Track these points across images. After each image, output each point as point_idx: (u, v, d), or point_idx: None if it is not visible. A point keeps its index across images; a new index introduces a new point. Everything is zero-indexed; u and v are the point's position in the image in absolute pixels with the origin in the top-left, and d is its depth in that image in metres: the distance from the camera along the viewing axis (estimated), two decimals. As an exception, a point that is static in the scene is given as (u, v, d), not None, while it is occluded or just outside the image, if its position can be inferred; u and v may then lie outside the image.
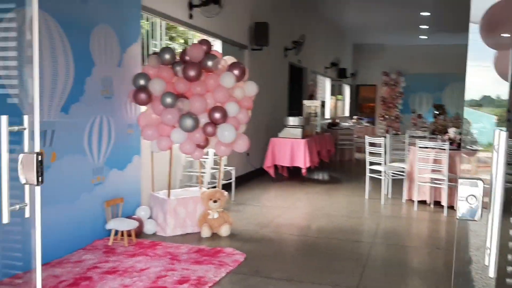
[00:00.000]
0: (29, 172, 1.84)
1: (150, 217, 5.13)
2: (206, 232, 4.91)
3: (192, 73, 4.58)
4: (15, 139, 2.03)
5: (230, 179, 6.88)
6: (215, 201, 4.98)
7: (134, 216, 4.87)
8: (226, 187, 6.95)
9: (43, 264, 3.86)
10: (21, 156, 1.87)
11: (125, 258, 4.10)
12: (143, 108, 5.04)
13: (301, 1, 11.86)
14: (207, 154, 6.24)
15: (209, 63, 4.77)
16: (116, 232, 4.55)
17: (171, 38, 6.89)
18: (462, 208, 1.41)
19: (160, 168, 5.52)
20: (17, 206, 1.94)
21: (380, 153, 6.73)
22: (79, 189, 4.33)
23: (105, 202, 4.50)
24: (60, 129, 4.03)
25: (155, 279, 3.61)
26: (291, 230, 5.31)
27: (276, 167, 8.73)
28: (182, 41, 7.01)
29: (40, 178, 1.82)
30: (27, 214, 2.00)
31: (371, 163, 6.92)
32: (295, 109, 12.44)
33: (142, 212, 5.02)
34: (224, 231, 4.96)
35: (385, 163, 6.88)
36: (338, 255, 4.46)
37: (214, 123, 4.61)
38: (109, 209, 4.58)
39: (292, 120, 8.60)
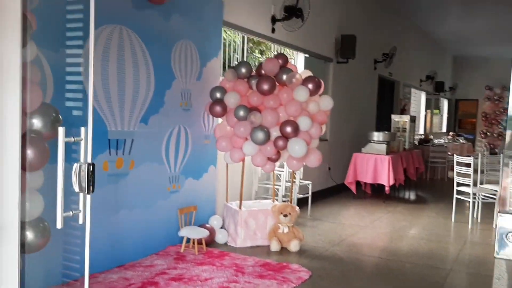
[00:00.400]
0: (83, 181, 1.97)
1: (222, 227, 5.24)
2: (275, 246, 4.90)
3: (265, 86, 4.62)
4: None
5: (307, 193, 6.81)
6: (285, 215, 4.96)
7: (207, 225, 5.00)
8: (303, 201, 6.91)
9: (117, 266, 4.11)
10: (75, 165, 2.01)
11: (193, 266, 4.22)
12: (220, 120, 5.19)
13: (392, 11, 11.50)
14: (283, 166, 6.25)
15: (284, 77, 4.79)
16: (188, 239, 4.71)
17: (261, 52, 7.03)
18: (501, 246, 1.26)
19: (236, 178, 5.62)
20: (71, 213, 2.08)
21: (470, 173, 6.26)
22: (155, 196, 4.55)
23: (179, 209, 4.68)
24: (139, 138, 4.28)
25: (217, 289, 3.68)
26: (364, 250, 5.11)
27: (359, 183, 8.49)
28: (261, 54, 7.12)
29: (91, 187, 1.95)
30: (80, 221, 2.14)
31: (459, 184, 6.46)
32: (385, 123, 12.04)
33: (214, 221, 5.14)
34: (294, 246, 4.91)
35: (475, 184, 6.39)
36: (410, 281, 4.21)
37: (285, 136, 4.61)
38: (182, 216, 4.75)
39: (377, 135, 8.31)
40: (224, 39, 5.82)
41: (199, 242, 4.78)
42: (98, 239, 3.92)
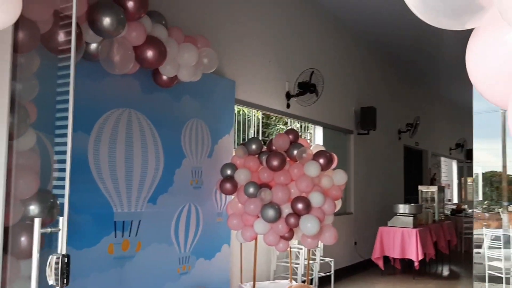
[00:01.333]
0: (56, 274, 1.91)
1: (236, 310, 5.00)
2: (291, 331, 4.62)
3: (275, 162, 4.58)
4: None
5: (330, 271, 6.50)
6: (301, 297, 4.71)
7: (220, 308, 4.79)
8: (326, 280, 6.59)
9: None
10: (50, 257, 1.95)
11: None
12: (232, 196, 5.12)
13: (413, 81, 11.54)
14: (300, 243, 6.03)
15: (294, 152, 4.75)
16: (199, 324, 4.49)
17: (286, 123, 7.08)
18: None
19: (252, 257, 5.44)
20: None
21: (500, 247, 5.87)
22: (163, 279, 4.42)
23: (188, 292, 4.52)
24: (146, 219, 4.24)
25: None
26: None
27: (387, 258, 8.09)
28: (285, 126, 7.16)
29: (65, 280, 1.88)
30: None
31: (491, 259, 6.05)
32: (414, 194, 11.68)
33: (228, 304, 4.93)
34: (311, 331, 4.61)
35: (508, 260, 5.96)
36: None
37: (297, 213, 4.48)
38: (193, 300, 4.57)
39: (403, 208, 8.02)
40: (241, 113, 5.90)
41: (211, 327, 4.55)
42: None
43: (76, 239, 3.61)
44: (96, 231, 3.79)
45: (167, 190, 4.48)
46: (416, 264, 7.52)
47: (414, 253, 7.50)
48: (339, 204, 4.98)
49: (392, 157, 10.40)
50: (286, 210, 4.56)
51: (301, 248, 6.01)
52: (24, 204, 2.77)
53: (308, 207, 4.46)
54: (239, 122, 5.96)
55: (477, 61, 1.23)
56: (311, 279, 6.27)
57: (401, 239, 7.70)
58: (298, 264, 5.99)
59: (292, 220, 4.47)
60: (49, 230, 2.04)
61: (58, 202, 2.99)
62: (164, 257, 4.43)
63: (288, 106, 6.57)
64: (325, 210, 4.62)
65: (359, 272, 7.98)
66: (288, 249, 4.99)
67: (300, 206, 4.45)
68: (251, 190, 4.54)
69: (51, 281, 1.94)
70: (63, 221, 2.01)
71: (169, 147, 4.51)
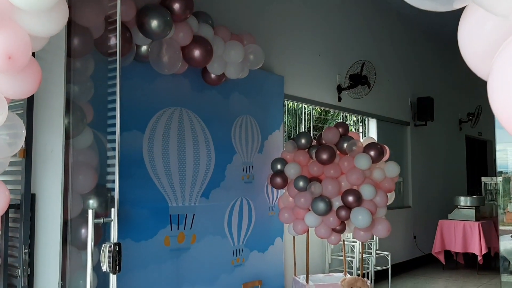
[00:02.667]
0: (109, 261, 2.06)
1: (291, 302, 5.06)
2: (345, 324, 4.61)
3: (324, 156, 4.59)
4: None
5: (387, 265, 6.41)
6: (355, 290, 4.69)
7: (274, 300, 4.87)
8: (383, 275, 6.50)
9: None
10: (103, 245, 2.11)
11: None
12: (283, 191, 5.18)
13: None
14: (356, 237, 5.99)
15: (344, 145, 4.74)
16: (253, 315, 4.60)
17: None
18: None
19: (305, 250, 5.48)
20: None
21: None
22: (218, 270, 4.56)
23: (243, 284, 4.63)
24: (200, 213, 4.40)
25: None
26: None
27: (449, 253, 7.84)
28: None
29: (117, 267, 2.02)
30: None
31: (561, 253, 5.71)
32: (478, 186, 11.20)
33: (282, 296, 5.00)
34: (365, 324, 4.58)
35: None
36: None
37: (347, 206, 4.47)
38: (247, 291, 4.68)
39: (464, 200, 7.73)
40: (296, 109, 5.95)
41: (265, 318, 4.65)
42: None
43: (134, 232, 3.82)
44: (152, 224, 3.98)
45: (219, 185, 4.62)
46: (479, 258, 7.23)
47: (477, 247, 7.22)
48: (392, 196, 4.91)
49: (453, 148, 10.02)
50: (337, 203, 4.56)
51: (356, 242, 5.96)
52: (83, 198, 2.97)
53: (359, 199, 4.44)
54: (295, 117, 6.01)
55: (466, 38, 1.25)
56: (367, 273, 6.21)
57: (463, 232, 7.43)
58: (353, 257, 5.95)
59: (343, 213, 4.46)
60: (102, 220, 2.20)
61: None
62: (218, 249, 4.57)
63: (339, 99, 6.53)
64: (377, 203, 4.57)
65: (419, 267, 7.78)
66: (342, 242, 4.98)
67: (350, 198, 4.44)
68: (301, 184, 4.58)
69: (104, 268, 2.09)
70: (114, 212, 2.15)
71: (220, 143, 4.64)
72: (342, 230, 4.72)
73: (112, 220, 2.20)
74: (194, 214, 4.35)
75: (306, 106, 6.16)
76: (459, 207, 7.73)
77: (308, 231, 4.85)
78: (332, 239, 4.77)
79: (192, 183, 4.35)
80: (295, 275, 5.20)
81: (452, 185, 9.70)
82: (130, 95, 3.86)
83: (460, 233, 7.44)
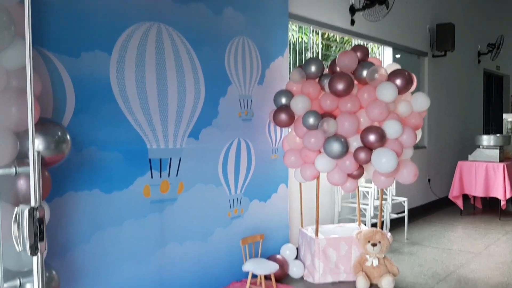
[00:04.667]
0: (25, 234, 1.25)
1: (297, 257, 4.38)
2: (362, 283, 3.94)
3: (340, 86, 3.73)
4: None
5: (402, 211, 5.71)
6: (374, 245, 3.98)
7: (278, 256, 4.18)
8: (398, 222, 5.83)
9: (167, 310, 3.42)
10: (16, 210, 1.29)
11: (256, 312, 3.41)
12: (289, 130, 4.36)
13: (498, -5, 9.94)
14: (370, 182, 5.25)
15: (364, 73, 3.86)
16: (255, 274, 3.92)
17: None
18: None
19: (314, 198, 4.75)
20: (18, 282, 1.37)
21: None
22: (213, 224, 3.83)
23: (241, 240, 3.90)
24: (188, 157, 3.59)
25: None
26: (480, 287, 3.96)
27: (466, 196, 7.16)
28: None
29: (38, 245, 1.22)
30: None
31: None
32: (495, 125, 10.42)
33: (287, 251, 4.30)
34: (386, 283, 3.91)
35: None
36: None
37: (368, 147, 3.66)
38: (246, 247, 3.97)
39: (487, 139, 6.94)
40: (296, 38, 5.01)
41: (268, 277, 3.97)
42: (143, 278, 3.28)
43: (104, 181, 3.04)
44: (127, 171, 3.19)
45: (211, 123, 3.79)
46: (503, 203, 6.55)
47: (500, 190, 6.51)
48: (419, 134, 4.10)
49: (471, 83, 9.12)
50: (355, 143, 3.75)
51: (370, 187, 5.22)
52: (20, 138, 2.15)
53: (382, 138, 3.62)
54: (294, 54, 5.07)
55: None
56: (382, 222, 5.53)
57: (485, 175, 6.70)
58: (366, 205, 5.24)
59: (362, 155, 3.66)
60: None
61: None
62: (211, 199, 3.81)
63: (352, 22, 5.56)
64: (404, 142, 3.76)
65: (434, 212, 7.13)
66: (356, 188, 4.22)
67: (372, 138, 3.62)
68: (311, 120, 3.75)
69: (17, 246, 1.30)
70: (32, 159, 1.33)
71: (211, 71, 3.76)
72: (359, 176, 3.95)
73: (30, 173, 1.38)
74: (180, 159, 3.54)
75: (306, 39, 5.20)
76: (481, 147, 6.96)
77: (318, 177, 4.07)
78: (347, 186, 4.01)
79: (177, 121, 3.51)
80: (301, 226, 4.49)
81: (469, 124, 8.90)
82: (88, 4, 2.94)
83: (482, 175, 6.72)
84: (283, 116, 3.96)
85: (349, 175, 3.90)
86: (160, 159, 3.40)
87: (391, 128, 3.66)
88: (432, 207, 7.34)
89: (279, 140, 4.46)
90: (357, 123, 3.73)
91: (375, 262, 3.99)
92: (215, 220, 3.86)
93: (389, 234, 4.11)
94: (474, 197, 7.28)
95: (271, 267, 3.84)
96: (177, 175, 3.52)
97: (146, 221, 3.30)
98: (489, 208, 7.33)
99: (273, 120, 4.07)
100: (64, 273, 2.83)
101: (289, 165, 4.12)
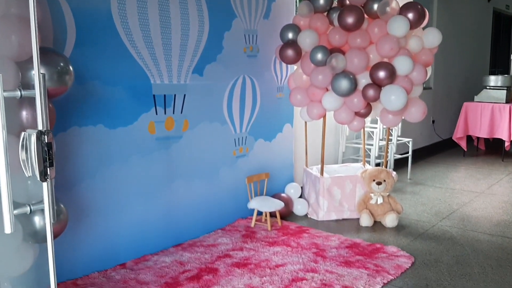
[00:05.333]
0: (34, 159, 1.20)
1: (302, 196, 4.40)
2: (366, 221, 3.97)
3: (349, 20, 3.58)
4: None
5: (406, 152, 5.70)
6: (379, 183, 3.98)
7: (283, 195, 4.19)
8: (401, 162, 5.83)
9: (174, 246, 3.46)
10: (23, 134, 1.24)
11: (263, 247, 3.46)
12: (295, 67, 4.25)
13: None
14: (376, 122, 5.20)
15: (375, 6, 3.70)
16: (260, 212, 3.95)
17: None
18: None
19: (318, 138, 4.72)
20: (28, 208, 1.34)
21: None
22: (218, 162, 3.81)
23: (247, 178, 3.90)
24: (192, 93, 3.51)
25: (289, 283, 2.87)
26: (482, 225, 3.99)
27: (470, 139, 7.13)
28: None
29: (48, 170, 1.18)
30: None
31: None
32: (501, 67, 10.25)
33: (291, 190, 4.32)
34: (390, 221, 3.94)
35: None
36: (555, 274, 3.09)
37: (377, 84, 3.57)
38: (252, 185, 3.97)
39: (494, 80, 6.82)
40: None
41: (273, 214, 4.01)
42: (150, 215, 3.30)
43: (108, 117, 2.98)
44: (132, 107, 3.12)
45: (215, 59, 3.67)
46: (506, 144, 6.53)
47: (505, 131, 6.48)
48: (429, 72, 3.99)
49: (479, 22, 8.86)
50: (364, 80, 3.66)
51: (375, 127, 5.17)
52: (21, 68, 2.06)
53: (392, 75, 3.53)
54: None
55: None
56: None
57: (491, 116, 6.64)
58: (371, 145, 5.21)
59: (371, 92, 3.58)
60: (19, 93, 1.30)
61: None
62: (217, 138, 3.77)
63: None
64: (414, 79, 3.67)
65: (437, 153, 7.14)
66: (363, 127, 4.17)
67: (382, 74, 3.52)
68: (319, 56, 3.64)
69: (26, 171, 1.25)
70: (38, 80, 1.26)
71: (215, 2, 3.60)
72: (367, 114, 3.88)
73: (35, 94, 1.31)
74: (184, 95, 3.46)
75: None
76: (488, 87, 6.85)
77: (325, 116, 4.01)
78: (354, 125, 3.95)
79: (181, 55, 3.40)
80: (306, 166, 4.48)
81: (475, 65, 8.73)
82: None
83: (487, 116, 6.66)
84: (289, 52, 3.84)
85: (357, 114, 3.84)
86: (165, 95, 3.32)
87: (402, 65, 3.55)
88: (436, 148, 7.33)
89: (285, 78, 4.36)
90: (367, 59, 3.62)
91: (380, 200, 4.01)
92: (221, 158, 3.83)
93: (394, 173, 4.11)
94: (478, 139, 7.26)
95: (276, 205, 3.86)
96: (181, 112, 3.45)
97: (152, 158, 3.27)
98: (492, 150, 7.33)
99: (279, 56, 3.96)
100: (70, 208, 2.83)
101: (295, 104, 4.05)
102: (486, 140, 7.37)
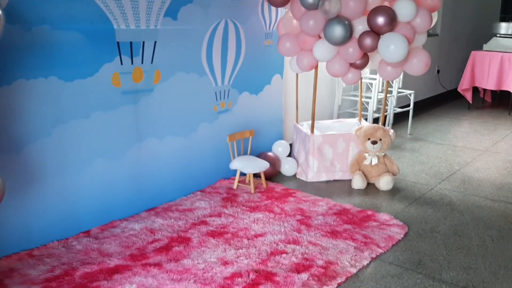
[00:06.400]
0: None
1: (291, 155, 4.07)
2: (358, 183, 3.66)
3: (346, -45, 3.09)
4: None
5: (408, 105, 5.31)
6: (374, 142, 3.63)
7: (270, 153, 3.85)
8: (401, 116, 5.47)
9: (147, 210, 3.17)
10: None
11: (243, 213, 3.16)
12: (285, 10, 3.78)
13: None
14: (375, 73, 4.77)
15: None
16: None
17: None
18: None
19: (310, 91, 4.33)
20: None
21: None
22: (196, 118, 3.44)
23: (228, 136, 3.54)
24: (165, 40, 3.09)
25: (266, 257, 2.59)
26: (483, 189, 3.68)
27: (476, 90, 6.70)
28: None
29: None
30: None
31: None
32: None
33: (279, 148, 3.97)
34: (384, 183, 3.63)
35: None
36: None
37: (375, 31, 3.13)
38: (234, 144, 3.62)
39: (505, 27, 6.30)
40: None
41: (258, 175, 3.69)
42: (117, 176, 2.98)
43: (62, 67, 2.59)
44: (91, 56, 2.72)
45: (192, 0, 3.22)
46: (514, 97, 6.13)
47: (514, 84, 6.05)
48: (434, 18, 3.53)
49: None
50: (360, 26, 3.22)
51: (375, 79, 4.76)
52: None
53: (392, 21, 3.08)
54: None
55: None
56: (385, 116, 5.16)
57: (499, 66, 6.18)
58: (369, 98, 4.82)
59: (368, 41, 3.14)
60: None
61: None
62: (195, 91, 3.38)
63: None
64: (417, 26, 3.22)
65: (441, 105, 6.74)
66: (359, 80, 3.76)
67: (380, 20, 3.08)
68: (311, -2, 3.17)
69: None
70: None
71: None
72: (363, 66, 3.47)
73: None
74: (155, 42, 3.04)
75: None
76: (498, 35, 6.34)
77: (317, 67, 3.60)
78: (349, 78, 3.55)
79: (150, -4, 2.95)
80: (297, 122, 4.11)
81: (486, 10, 8.12)
82: None
83: (496, 67, 6.20)
84: (277, -6, 3.36)
85: (352, 65, 3.43)
86: (131, 43, 2.90)
87: (404, 9, 3.10)
88: (439, 100, 6.93)
89: (274, 22, 3.91)
90: (364, 2, 3.16)
91: (374, 161, 3.68)
92: (199, 114, 3.46)
93: (391, 131, 3.75)
94: (484, 91, 6.83)
95: (261, 166, 3.53)
96: (152, 62, 3.04)
97: (117, 114, 2.91)
98: (498, 102, 6.93)
99: (266, -2, 3.49)
100: (21, 171, 2.50)
101: (284, 53, 3.62)
102: (493, 91, 6.95)
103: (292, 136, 4.15)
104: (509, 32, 6.27)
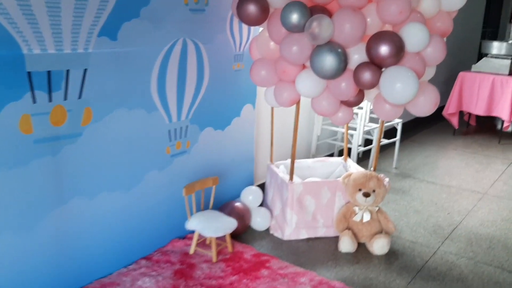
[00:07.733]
0: None
1: (263, 204, 3.33)
2: (347, 245, 2.95)
3: (342, -36, 2.37)
4: None
5: (394, 138, 4.67)
6: (366, 195, 2.93)
7: (237, 204, 3.10)
8: (385, 145, 4.82)
9: (70, 291, 2.35)
10: None
11: (201, 297, 2.39)
12: (260, 29, 3.03)
13: None
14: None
15: None
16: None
17: None
18: None
19: (289, 121, 3.61)
20: None
21: None
22: (141, 167, 2.64)
23: (184, 188, 2.75)
24: (99, 67, 2.28)
25: None
26: (496, 254, 3.04)
27: (461, 112, 6.15)
28: None
29: None
30: None
31: None
32: (492, 26, 9.19)
33: (250, 196, 3.22)
34: (379, 248, 2.93)
35: None
36: None
37: (376, 64, 2.43)
38: (192, 196, 2.84)
39: (497, 47, 5.77)
40: None
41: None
42: (29, 253, 2.17)
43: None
44: (-15, 93, 1.89)
45: (138, 14, 2.43)
46: (506, 125, 5.58)
47: (506, 110, 5.50)
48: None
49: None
50: (356, 56, 2.51)
51: (361, 108, 4.08)
52: None
53: (398, 52, 2.39)
54: None
55: None
56: (369, 150, 4.49)
57: (490, 89, 5.64)
58: (354, 130, 4.13)
59: (367, 75, 2.44)
60: None
61: None
62: (140, 131, 2.59)
63: None
64: (428, 57, 2.54)
65: (423, 129, 6.15)
66: (351, 120, 3.04)
67: (384, 50, 2.38)
68: (295, 18, 2.43)
69: None
70: None
71: None
72: (356, 103, 2.77)
73: None
74: (85, 70, 2.23)
75: None
76: (489, 56, 5.81)
77: (299, 102, 2.86)
78: (339, 117, 2.84)
79: (77, 8, 2.14)
80: (271, 161, 3.38)
81: (469, 27, 7.63)
82: None
83: (486, 90, 5.65)
84: (251, 9, 2.61)
85: (344, 102, 2.72)
86: (49, 72, 2.08)
87: (414, 36, 2.41)
88: (421, 123, 6.34)
89: (246, 42, 3.16)
90: (363, 25, 2.45)
91: (366, 217, 2.98)
92: (146, 160, 2.67)
93: (387, 179, 3.05)
94: (469, 114, 6.29)
95: (225, 226, 2.77)
96: (80, 97, 2.24)
97: (28, 170, 2.09)
98: (483, 127, 6.41)
99: (237, 14, 2.72)
100: None
101: (258, 82, 2.88)
102: (478, 117, 6.42)
103: (266, 179, 3.41)
104: (502, 52, 5.74)
